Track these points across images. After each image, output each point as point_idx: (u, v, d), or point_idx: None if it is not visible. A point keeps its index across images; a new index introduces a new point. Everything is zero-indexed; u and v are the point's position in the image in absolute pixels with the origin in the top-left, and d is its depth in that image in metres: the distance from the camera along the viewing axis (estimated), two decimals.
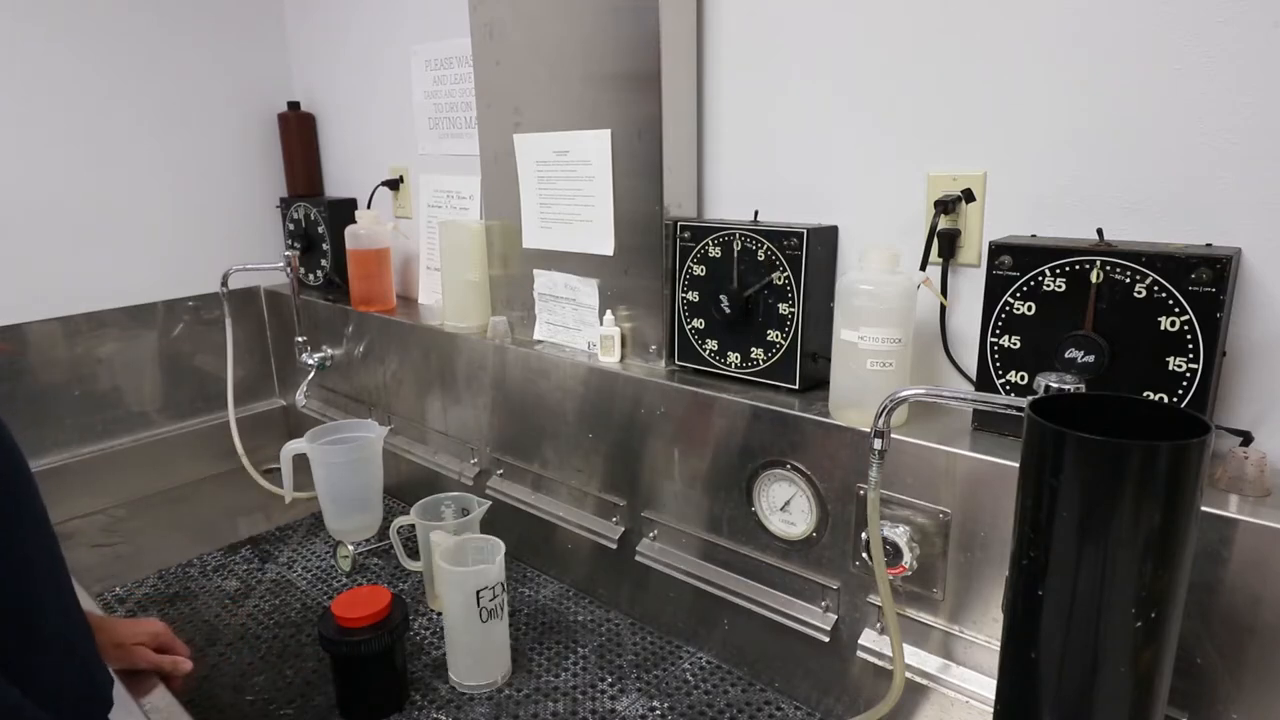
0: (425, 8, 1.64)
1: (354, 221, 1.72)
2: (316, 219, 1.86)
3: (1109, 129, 0.88)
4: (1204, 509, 0.69)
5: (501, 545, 1.15)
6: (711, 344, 1.18)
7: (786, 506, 1.08)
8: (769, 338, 1.11)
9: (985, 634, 0.92)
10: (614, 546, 1.30)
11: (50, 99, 1.68)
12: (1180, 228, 0.85)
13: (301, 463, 1.47)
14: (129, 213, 1.81)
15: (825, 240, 1.09)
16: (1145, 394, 0.82)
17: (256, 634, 1.28)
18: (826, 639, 1.06)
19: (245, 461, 1.79)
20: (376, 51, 1.79)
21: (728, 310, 1.13)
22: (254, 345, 2.04)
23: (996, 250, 0.89)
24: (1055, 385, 0.70)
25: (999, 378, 0.92)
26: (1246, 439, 0.83)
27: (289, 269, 1.73)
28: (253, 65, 1.97)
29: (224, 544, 1.57)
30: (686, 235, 1.17)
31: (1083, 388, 0.70)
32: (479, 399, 1.49)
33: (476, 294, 1.50)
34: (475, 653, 1.14)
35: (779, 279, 1.09)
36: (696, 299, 1.18)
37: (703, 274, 1.17)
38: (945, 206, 0.98)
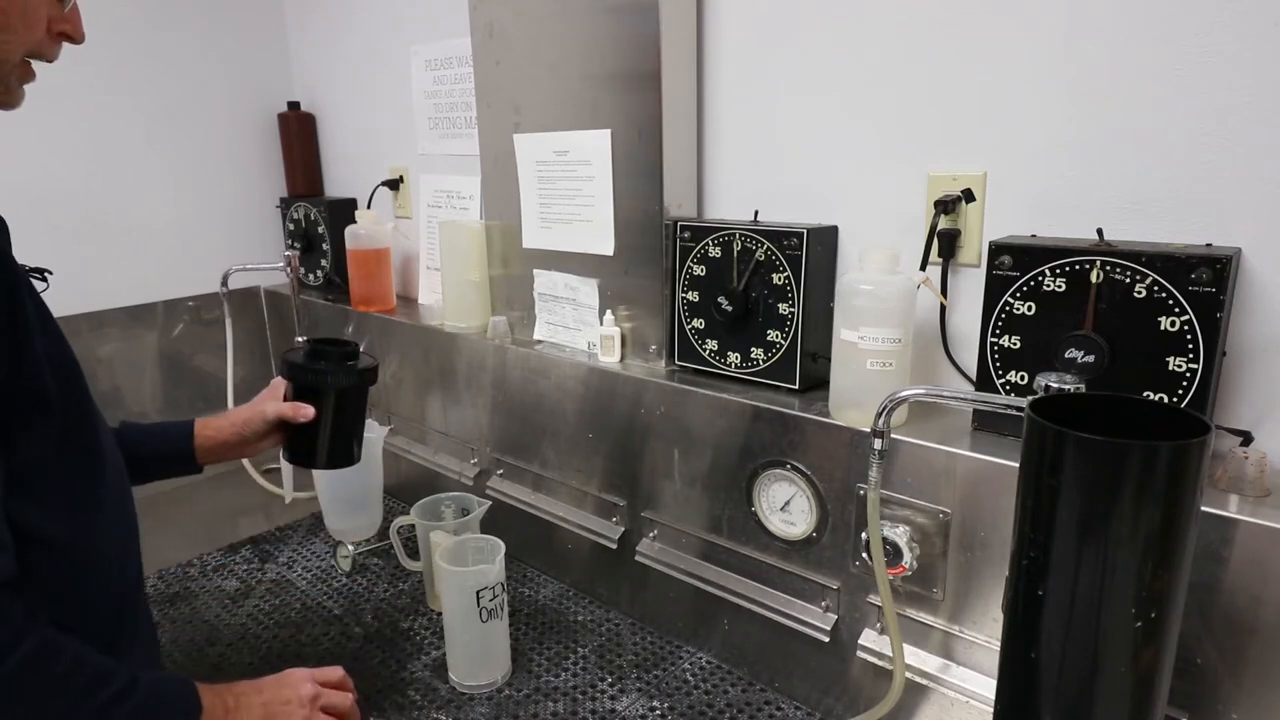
0: (425, 8, 1.64)
1: (354, 221, 1.72)
2: (316, 219, 1.86)
3: (1109, 129, 0.88)
4: (1204, 509, 0.69)
5: (501, 545, 1.15)
6: (711, 344, 1.18)
7: (786, 506, 1.08)
8: (769, 338, 1.11)
9: (985, 634, 0.92)
10: (614, 546, 1.30)
11: (50, 99, 1.67)
12: (1180, 228, 0.85)
13: None
14: (129, 213, 1.81)
15: (825, 240, 1.09)
16: (1145, 394, 0.82)
17: (257, 634, 1.28)
18: (826, 639, 1.06)
19: (245, 461, 1.79)
20: (376, 51, 1.79)
21: (728, 310, 1.13)
22: (254, 345, 2.04)
23: (996, 250, 0.89)
24: (1055, 385, 0.70)
25: (999, 378, 0.92)
26: (1246, 439, 0.83)
27: (289, 269, 1.73)
28: (253, 65, 1.97)
29: (224, 544, 1.57)
30: (686, 235, 1.17)
31: (1083, 388, 0.70)
32: (479, 399, 1.49)
33: (476, 294, 1.50)
34: (475, 653, 1.14)
35: (779, 279, 1.08)
36: (696, 299, 1.18)
37: (703, 274, 1.17)
38: (945, 206, 0.98)
